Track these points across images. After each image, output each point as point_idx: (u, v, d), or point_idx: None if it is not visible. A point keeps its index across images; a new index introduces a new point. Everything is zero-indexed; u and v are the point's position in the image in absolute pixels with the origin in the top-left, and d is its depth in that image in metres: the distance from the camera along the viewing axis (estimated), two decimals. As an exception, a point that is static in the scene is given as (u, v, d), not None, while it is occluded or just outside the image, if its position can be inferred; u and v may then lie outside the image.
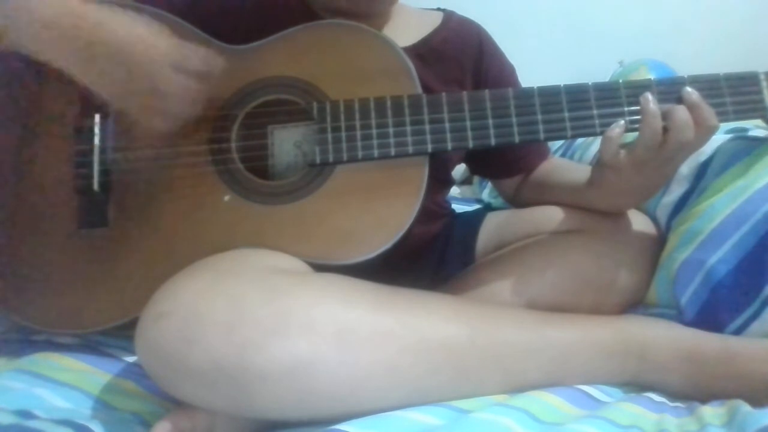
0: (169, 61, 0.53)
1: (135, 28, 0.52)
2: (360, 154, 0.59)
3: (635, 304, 0.68)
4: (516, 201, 0.82)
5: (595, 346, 0.54)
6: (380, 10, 0.70)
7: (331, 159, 0.59)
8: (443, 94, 0.59)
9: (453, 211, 0.86)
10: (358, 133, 0.59)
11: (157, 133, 0.57)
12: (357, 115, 0.59)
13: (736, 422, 0.44)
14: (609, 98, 0.58)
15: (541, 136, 0.58)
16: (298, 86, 0.61)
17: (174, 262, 0.50)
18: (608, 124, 0.57)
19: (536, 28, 1.83)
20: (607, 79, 0.64)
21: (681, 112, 0.54)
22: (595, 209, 0.68)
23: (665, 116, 0.55)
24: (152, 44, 0.52)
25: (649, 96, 0.55)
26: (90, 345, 0.59)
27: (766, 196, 0.58)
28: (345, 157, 0.59)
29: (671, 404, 0.52)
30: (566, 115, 0.58)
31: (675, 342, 0.54)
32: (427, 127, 0.59)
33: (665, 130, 0.54)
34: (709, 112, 0.55)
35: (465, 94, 0.59)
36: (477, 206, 1.10)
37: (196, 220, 0.59)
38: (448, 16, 0.76)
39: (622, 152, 0.56)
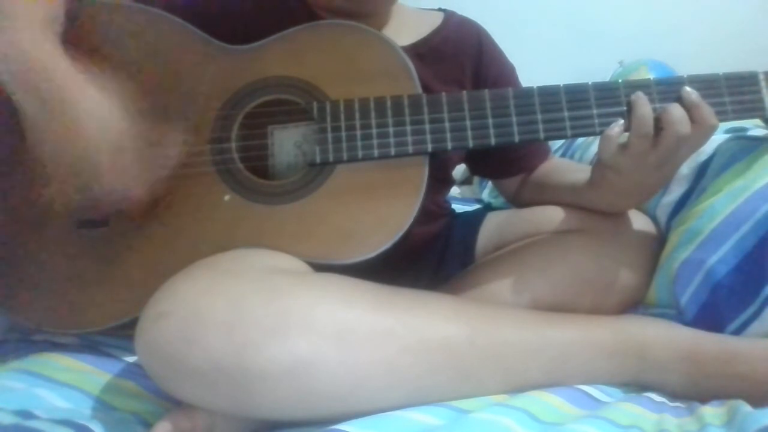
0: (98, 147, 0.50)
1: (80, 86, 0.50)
2: (360, 153, 0.59)
3: (635, 304, 0.68)
4: (516, 201, 0.82)
5: (595, 346, 0.54)
6: (380, 10, 0.70)
7: (331, 159, 0.59)
8: (443, 93, 0.59)
9: (453, 211, 0.86)
10: (358, 133, 0.59)
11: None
12: (357, 115, 0.59)
13: (736, 422, 0.44)
14: (608, 98, 0.58)
15: (541, 135, 0.58)
16: (298, 86, 0.61)
17: (174, 262, 0.50)
18: (608, 124, 0.57)
19: (536, 28, 1.83)
20: (607, 79, 0.64)
21: (675, 109, 0.54)
22: (595, 209, 0.68)
23: (661, 114, 0.55)
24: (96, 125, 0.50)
25: (640, 93, 0.56)
26: (90, 345, 0.59)
27: (765, 196, 0.58)
28: (345, 156, 0.59)
29: (671, 404, 0.52)
30: (566, 114, 0.58)
31: (675, 342, 0.54)
32: (427, 126, 0.59)
33: (661, 128, 0.55)
34: (708, 111, 0.55)
35: (465, 93, 0.59)
36: (477, 206, 1.10)
37: (196, 220, 0.59)
38: (448, 16, 0.76)
39: (623, 151, 0.57)
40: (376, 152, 0.59)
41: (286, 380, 0.42)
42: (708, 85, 0.58)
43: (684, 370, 0.53)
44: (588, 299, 0.64)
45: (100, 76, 0.54)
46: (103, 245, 0.59)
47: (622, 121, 0.57)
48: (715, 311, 0.58)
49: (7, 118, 0.59)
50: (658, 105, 0.57)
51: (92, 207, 0.53)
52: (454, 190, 1.38)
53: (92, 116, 0.50)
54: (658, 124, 0.55)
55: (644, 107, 0.55)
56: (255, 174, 0.60)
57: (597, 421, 0.45)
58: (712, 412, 0.48)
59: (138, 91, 0.60)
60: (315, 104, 0.60)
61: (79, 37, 0.58)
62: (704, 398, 0.52)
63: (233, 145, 0.60)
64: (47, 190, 0.51)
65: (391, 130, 0.59)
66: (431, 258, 0.79)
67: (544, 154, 0.80)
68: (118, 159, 0.52)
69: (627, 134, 0.57)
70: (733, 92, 0.58)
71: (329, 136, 0.59)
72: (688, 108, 0.55)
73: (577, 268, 0.65)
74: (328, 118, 0.59)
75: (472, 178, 1.40)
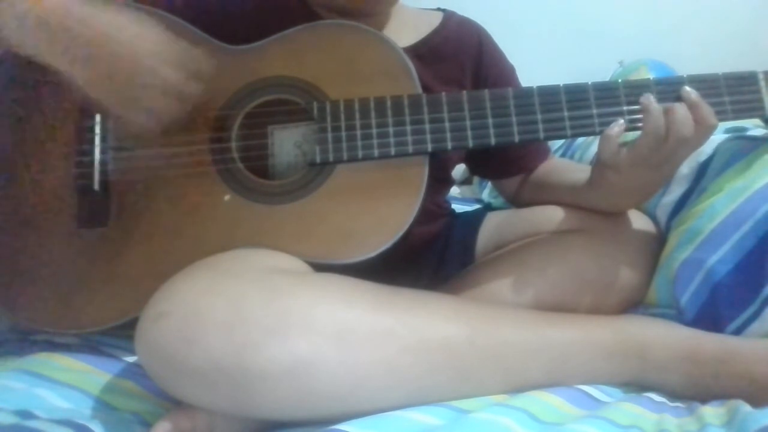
0: (153, 53, 0.52)
1: (119, 20, 0.51)
2: (360, 153, 0.59)
3: (635, 304, 0.68)
4: (516, 201, 0.82)
5: (595, 346, 0.54)
6: (380, 9, 0.70)
7: (331, 158, 0.59)
8: (443, 93, 0.59)
9: (453, 211, 0.86)
10: (359, 133, 0.59)
11: (144, 132, 0.55)
12: (357, 115, 0.59)
13: (736, 422, 0.44)
14: (608, 98, 0.58)
15: (541, 135, 0.58)
16: (298, 86, 0.61)
17: (174, 262, 0.50)
18: (607, 124, 0.57)
19: (536, 28, 1.83)
20: (607, 79, 0.64)
21: (680, 109, 0.54)
22: (595, 209, 0.68)
23: (664, 113, 0.55)
24: (136, 34, 0.52)
25: (651, 96, 0.56)
26: (90, 345, 0.59)
27: (765, 196, 0.58)
28: (345, 156, 0.59)
29: (671, 404, 0.52)
30: (566, 114, 0.58)
31: (675, 342, 0.54)
32: (427, 126, 0.59)
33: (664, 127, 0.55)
34: (708, 111, 0.55)
35: (465, 93, 0.59)
36: (477, 206, 1.10)
37: (196, 220, 0.59)
38: (448, 16, 0.76)
39: (622, 151, 0.57)
40: (376, 152, 0.59)
41: (286, 380, 0.42)
42: (707, 85, 0.58)
43: (684, 370, 0.53)
44: (588, 299, 0.64)
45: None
46: (103, 245, 0.59)
47: (621, 121, 0.57)
48: (715, 311, 0.58)
49: (8, 118, 0.59)
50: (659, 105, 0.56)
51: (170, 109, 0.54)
52: (454, 190, 1.38)
53: (132, 32, 0.51)
54: None
55: (658, 121, 0.54)
56: (255, 174, 0.60)
57: (597, 421, 0.45)
58: (712, 412, 0.48)
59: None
60: (315, 104, 0.60)
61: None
62: (704, 398, 0.52)
63: (233, 144, 0.60)
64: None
65: (391, 130, 0.59)
66: (431, 258, 0.79)
67: (543, 154, 0.80)
68: (179, 62, 0.53)
69: (627, 134, 0.57)
70: (732, 92, 0.58)
71: (329, 135, 0.59)
72: (688, 108, 0.55)
73: (577, 268, 0.65)
74: (328, 118, 0.59)
75: (472, 178, 1.40)
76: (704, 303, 0.59)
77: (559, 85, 0.59)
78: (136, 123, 0.54)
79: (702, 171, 0.69)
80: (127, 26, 0.51)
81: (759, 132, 0.67)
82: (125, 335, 0.57)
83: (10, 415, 0.47)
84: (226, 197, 0.59)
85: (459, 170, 1.28)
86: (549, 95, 0.59)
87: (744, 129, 0.69)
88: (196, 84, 0.55)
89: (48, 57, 0.49)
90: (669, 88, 0.57)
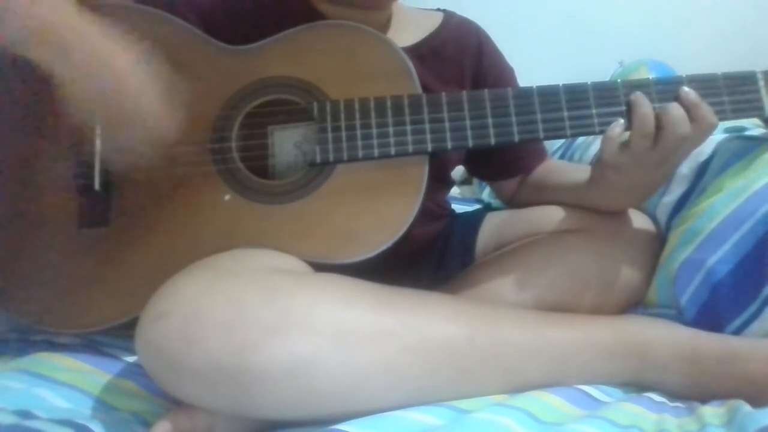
0: (136, 95, 0.52)
1: (113, 49, 0.51)
2: (360, 153, 0.59)
3: (635, 304, 0.68)
4: (514, 203, 0.82)
5: (595, 346, 0.54)
6: (382, 4, 0.70)
7: (331, 158, 0.59)
8: (443, 93, 0.59)
9: (453, 211, 0.86)
10: (359, 133, 0.59)
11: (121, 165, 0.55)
12: (357, 115, 0.59)
13: (736, 422, 0.44)
14: (608, 97, 0.58)
15: (541, 135, 0.58)
16: (298, 86, 0.61)
17: (174, 262, 0.50)
18: (607, 123, 0.57)
19: (536, 28, 1.83)
20: (607, 79, 0.64)
21: (675, 108, 0.55)
22: (595, 209, 0.68)
23: (661, 113, 0.55)
24: (125, 69, 0.51)
25: (639, 94, 0.56)
26: (90, 345, 0.59)
27: (765, 196, 0.58)
28: (345, 156, 0.59)
29: (671, 404, 0.52)
30: (565, 114, 0.58)
31: (675, 342, 0.54)
32: (427, 126, 0.59)
33: (661, 127, 0.55)
34: (707, 110, 0.55)
35: (464, 93, 0.59)
36: (477, 206, 1.10)
37: (197, 220, 0.59)
38: (448, 17, 0.76)
39: (623, 151, 0.57)
40: (376, 152, 0.59)
41: (286, 380, 0.42)
42: (707, 84, 0.58)
43: (684, 370, 0.53)
44: (588, 299, 0.64)
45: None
46: (104, 245, 0.59)
47: (622, 121, 0.57)
48: (715, 311, 0.58)
49: (9, 118, 0.59)
50: (657, 105, 0.57)
51: (136, 158, 0.54)
52: (454, 190, 1.38)
53: (130, 68, 0.51)
54: (658, 124, 0.55)
55: (644, 107, 0.55)
56: (255, 174, 0.60)
57: (597, 421, 0.45)
58: (712, 412, 0.48)
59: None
60: (315, 104, 0.60)
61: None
62: (704, 398, 0.52)
63: (233, 144, 0.60)
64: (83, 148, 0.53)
65: (391, 129, 0.59)
66: (431, 258, 0.79)
67: (541, 155, 0.80)
68: (164, 106, 0.53)
69: (627, 133, 0.57)
70: (731, 92, 0.58)
71: (329, 135, 0.59)
72: (687, 107, 0.55)
73: (577, 268, 0.65)
74: (329, 118, 0.59)
75: (472, 178, 1.40)
76: (704, 303, 0.59)
77: (558, 85, 0.59)
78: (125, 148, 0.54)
79: (702, 171, 0.69)
80: (118, 57, 0.51)
81: (759, 132, 0.66)
82: (125, 335, 0.57)
83: (10, 415, 0.47)
84: (226, 197, 0.59)
85: (459, 170, 1.28)
86: (549, 95, 0.59)
87: (744, 129, 0.69)
88: (172, 128, 0.55)
89: (44, 64, 0.49)
90: (668, 88, 0.57)
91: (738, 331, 0.57)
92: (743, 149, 0.65)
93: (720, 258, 0.59)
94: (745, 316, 0.56)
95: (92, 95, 0.50)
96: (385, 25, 0.71)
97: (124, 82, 0.51)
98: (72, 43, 0.48)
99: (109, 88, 0.51)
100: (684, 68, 0.64)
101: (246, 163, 0.60)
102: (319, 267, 0.56)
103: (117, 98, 0.51)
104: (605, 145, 0.57)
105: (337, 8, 0.67)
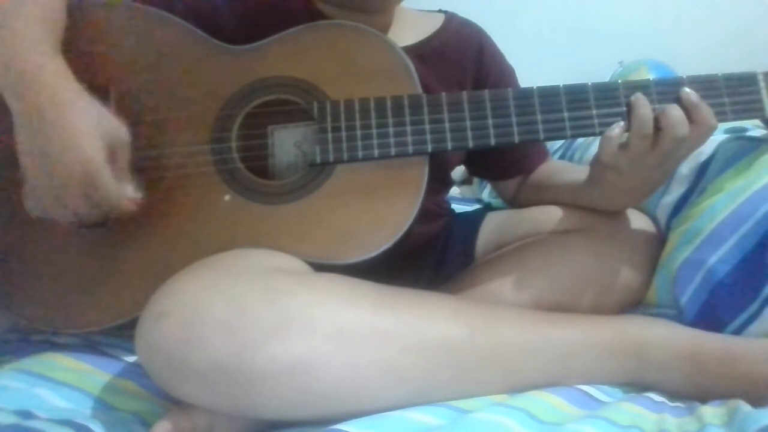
0: (90, 157, 0.50)
1: (79, 105, 0.51)
2: (360, 153, 0.59)
3: (635, 304, 0.68)
4: (515, 203, 0.82)
5: (595, 346, 0.54)
6: (383, 7, 0.70)
7: (331, 159, 0.59)
8: (443, 94, 0.59)
9: (453, 211, 0.86)
10: (359, 133, 0.59)
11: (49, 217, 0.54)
12: (357, 115, 0.59)
13: (736, 422, 0.44)
14: (608, 98, 0.58)
15: (541, 135, 0.58)
16: (298, 86, 0.61)
17: (174, 262, 0.51)
18: (607, 124, 0.57)
19: (536, 28, 1.83)
20: (607, 79, 0.64)
21: (674, 110, 0.55)
22: (594, 208, 0.68)
23: (660, 115, 0.55)
24: (85, 132, 0.50)
25: (639, 95, 0.56)
26: (90, 345, 0.59)
27: (765, 196, 0.58)
28: (345, 156, 0.59)
29: (671, 404, 0.52)
30: (566, 115, 0.58)
31: (675, 342, 0.54)
32: (427, 127, 0.59)
33: (660, 128, 0.55)
34: (707, 112, 0.55)
35: (465, 94, 0.59)
36: (477, 206, 1.10)
37: (197, 220, 0.59)
38: (449, 18, 0.76)
39: (620, 151, 0.57)
40: (376, 152, 0.59)
41: (287, 380, 0.42)
42: (707, 85, 0.58)
43: (684, 370, 0.53)
44: (588, 299, 0.64)
45: (97, 80, 0.55)
46: (104, 245, 0.59)
47: (622, 122, 0.57)
48: (715, 311, 0.58)
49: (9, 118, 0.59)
50: (657, 105, 0.57)
51: (85, 215, 0.53)
52: (454, 190, 1.38)
53: (88, 129, 0.50)
54: (657, 125, 0.55)
55: (644, 108, 0.55)
56: (255, 174, 0.60)
57: (597, 421, 0.45)
58: (712, 412, 0.48)
59: (137, 92, 0.61)
60: (315, 104, 0.60)
61: (78, 37, 0.58)
62: (704, 398, 0.52)
63: (233, 145, 0.60)
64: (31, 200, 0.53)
65: (391, 130, 0.59)
66: (431, 258, 0.79)
67: (542, 155, 0.80)
68: (111, 162, 0.52)
69: (626, 134, 0.57)
70: (732, 93, 0.58)
71: (329, 136, 0.59)
72: (687, 109, 0.55)
73: (577, 267, 0.65)
74: (329, 118, 0.59)
75: (472, 178, 1.40)
76: (704, 303, 0.59)
77: (559, 86, 0.59)
78: (42, 209, 0.53)
79: (702, 171, 0.69)
80: (81, 116, 0.50)
81: (759, 133, 0.67)
82: (125, 335, 0.57)
83: (10, 415, 0.47)
84: (227, 197, 0.59)
85: (459, 170, 1.28)
86: (549, 96, 0.59)
87: (744, 129, 0.69)
88: (119, 199, 0.53)
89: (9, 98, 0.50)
90: (668, 89, 0.57)
91: (738, 331, 0.57)
92: (744, 149, 0.65)
93: (720, 258, 0.59)
94: (745, 316, 0.56)
95: (30, 146, 0.50)
96: (386, 26, 0.71)
97: (71, 143, 0.50)
98: (29, 85, 0.49)
99: (48, 147, 0.49)
100: (684, 68, 0.64)
101: (246, 163, 0.60)
102: (319, 267, 0.56)
103: (58, 157, 0.50)
104: (604, 146, 0.57)
105: (339, 11, 0.67)
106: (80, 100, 0.51)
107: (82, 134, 0.50)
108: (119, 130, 0.53)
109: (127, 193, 0.54)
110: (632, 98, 0.57)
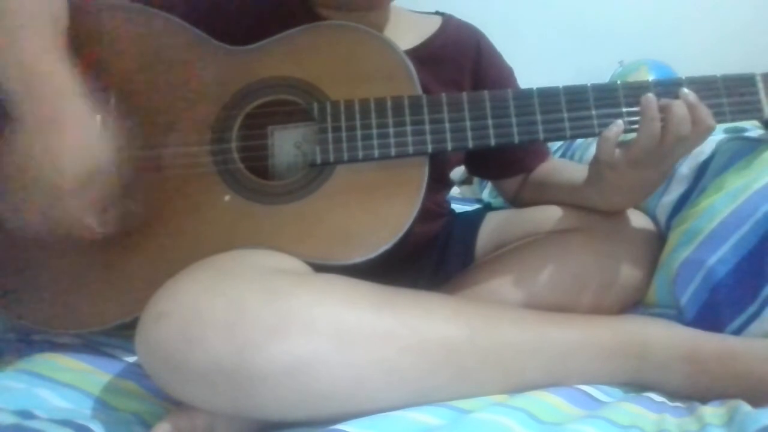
0: (79, 174, 0.51)
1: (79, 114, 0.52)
2: (360, 154, 0.59)
3: (635, 304, 0.68)
4: (516, 201, 0.82)
5: (595, 346, 0.54)
6: (377, 4, 0.70)
7: (331, 159, 0.59)
8: (443, 94, 0.59)
9: (453, 211, 0.86)
10: (359, 133, 0.59)
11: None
12: (357, 116, 0.59)
13: (736, 422, 0.44)
14: (607, 99, 0.58)
15: (541, 136, 0.58)
16: (298, 87, 0.61)
17: (174, 262, 0.50)
18: (607, 125, 0.57)
19: (536, 28, 1.83)
20: (607, 80, 0.64)
21: (678, 107, 0.54)
22: (594, 208, 0.68)
23: (662, 111, 0.55)
24: (82, 146, 0.51)
25: (652, 97, 0.55)
26: (90, 345, 0.59)
27: (765, 196, 0.58)
28: (345, 157, 0.59)
29: (671, 404, 0.52)
30: (565, 115, 0.58)
31: (675, 342, 0.54)
32: (427, 127, 0.59)
33: (663, 125, 0.55)
34: (706, 113, 0.55)
35: (464, 94, 0.59)
36: (477, 206, 1.10)
37: (197, 220, 0.59)
38: (447, 21, 0.76)
39: (618, 151, 0.57)
40: (376, 153, 0.59)
41: (287, 380, 0.42)
42: (706, 86, 0.58)
43: (684, 370, 0.53)
44: (588, 299, 0.64)
45: (97, 81, 0.54)
46: (104, 245, 0.59)
47: (620, 122, 0.57)
48: (715, 311, 0.58)
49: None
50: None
51: (47, 226, 0.53)
52: (454, 190, 1.38)
53: (74, 142, 0.51)
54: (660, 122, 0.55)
55: (654, 126, 0.55)
56: (255, 174, 0.60)
57: (597, 421, 0.45)
58: (712, 412, 0.48)
59: (137, 92, 0.61)
60: (315, 105, 0.60)
61: (78, 36, 0.58)
62: (704, 398, 0.52)
63: (234, 145, 0.60)
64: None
65: (391, 130, 0.59)
66: (431, 258, 0.79)
67: (543, 154, 0.80)
68: (84, 189, 0.52)
69: (625, 135, 0.57)
70: (731, 94, 0.58)
71: (329, 136, 0.59)
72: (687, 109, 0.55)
73: (577, 267, 0.65)
74: (329, 119, 0.59)
75: (472, 178, 1.40)
76: (704, 303, 0.59)
77: (558, 87, 0.59)
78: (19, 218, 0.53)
79: (702, 171, 0.69)
80: (69, 138, 0.51)
81: (758, 133, 0.67)
82: (125, 335, 0.57)
83: (10, 415, 0.47)
84: (227, 197, 0.59)
85: (459, 170, 1.28)
86: (548, 96, 0.59)
87: (744, 129, 0.69)
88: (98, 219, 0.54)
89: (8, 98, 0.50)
90: (667, 90, 0.57)
91: (738, 331, 0.57)
92: (743, 149, 0.65)
93: (720, 258, 0.59)
94: (745, 316, 0.56)
95: (35, 150, 0.50)
96: (384, 28, 0.71)
97: (60, 149, 0.50)
98: (34, 89, 0.50)
99: (51, 149, 0.50)
100: (684, 68, 0.64)
101: (246, 164, 0.60)
102: (319, 267, 0.56)
103: (59, 162, 0.50)
104: (602, 145, 0.57)
105: (336, 12, 0.67)
106: (76, 121, 0.52)
107: (62, 157, 0.50)
108: (102, 160, 0.53)
109: (89, 223, 0.53)
110: (642, 99, 0.56)
